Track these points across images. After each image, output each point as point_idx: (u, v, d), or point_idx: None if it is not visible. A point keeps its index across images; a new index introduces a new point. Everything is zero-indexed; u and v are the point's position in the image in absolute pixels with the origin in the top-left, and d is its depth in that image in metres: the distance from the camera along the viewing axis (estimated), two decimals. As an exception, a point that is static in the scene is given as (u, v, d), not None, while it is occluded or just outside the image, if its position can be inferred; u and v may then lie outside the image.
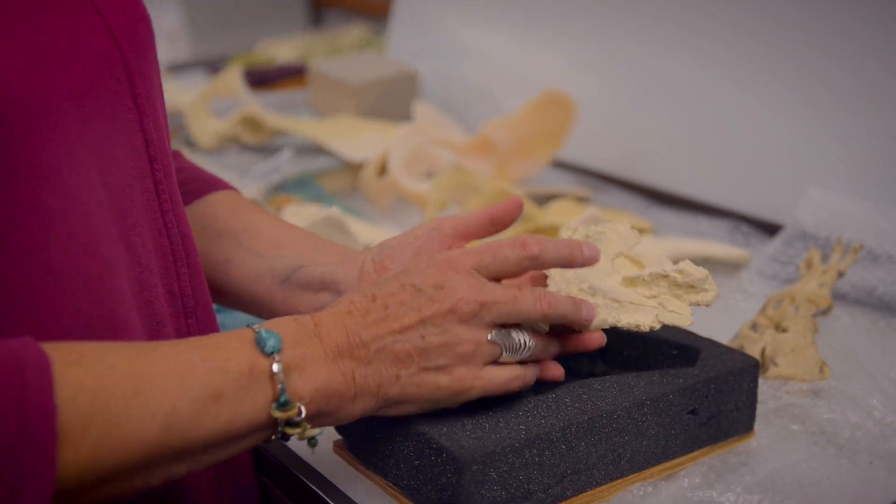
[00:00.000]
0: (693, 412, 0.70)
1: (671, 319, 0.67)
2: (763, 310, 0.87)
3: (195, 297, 0.65)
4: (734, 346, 0.84)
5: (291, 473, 0.68)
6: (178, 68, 1.92)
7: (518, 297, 0.62)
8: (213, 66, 1.86)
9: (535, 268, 0.64)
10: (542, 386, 0.67)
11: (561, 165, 1.27)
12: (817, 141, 1.04)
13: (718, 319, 0.92)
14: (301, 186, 1.23)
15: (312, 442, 0.60)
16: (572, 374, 0.72)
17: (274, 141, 1.35)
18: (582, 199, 1.18)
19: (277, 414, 0.55)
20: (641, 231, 1.09)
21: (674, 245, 1.03)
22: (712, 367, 0.71)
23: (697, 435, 0.71)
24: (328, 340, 0.58)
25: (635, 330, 0.67)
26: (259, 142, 1.34)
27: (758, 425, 0.74)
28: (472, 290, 0.60)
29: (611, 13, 1.27)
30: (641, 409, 0.67)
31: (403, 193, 1.17)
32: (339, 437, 0.69)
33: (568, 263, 0.65)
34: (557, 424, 0.63)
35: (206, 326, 0.66)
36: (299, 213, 1.09)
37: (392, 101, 1.40)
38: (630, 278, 0.69)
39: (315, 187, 1.23)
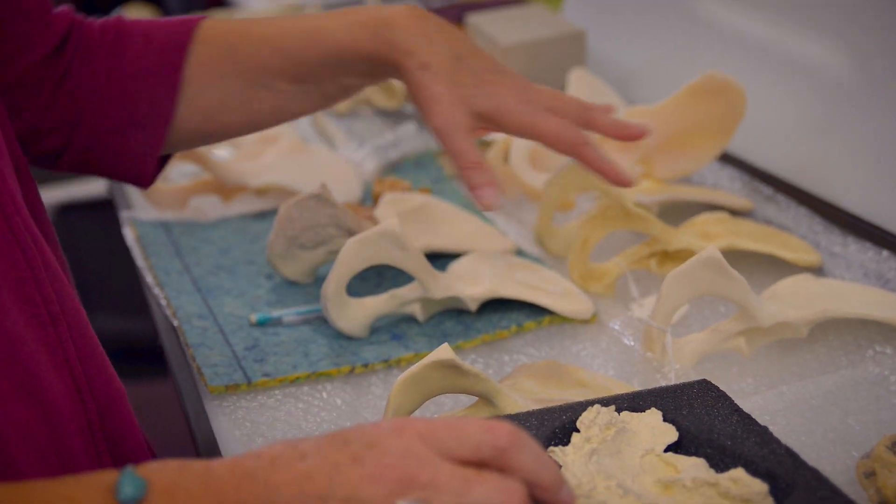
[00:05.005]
0: None
1: None
2: (920, 416, 0.64)
3: (61, 304, 0.58)
4: (863, 469, 0.62)
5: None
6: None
7: (473, 482, 0.45)
8: None
9: (496, 463, 0.46)
10: None
11: (732, 161, 1.04)
12: None
13: (866, 412, 0.69)
14: (420, 166, 1.08)
15: None
16: None
17: (407, 107, 1.20)
18: (738, 213, 0.95)
19: None
20: (808, 266, 0.85)
21: (832, 290, 0.80)
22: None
23: None
24: (216, 488, 0.45)
25: None
26: (392, 106, 1.19)
27: None
28: (407, 459, 0.45)
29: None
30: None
31: (521, 187, 0.99)
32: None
33: (547, 488, 0.47)
34: None
35: (78, 332, 0.59)
36: (395, 203, 0.95)
37: (551, 66, 1.21)
38: (666, 482, 0.55)
39: (435, 167, 1.08)
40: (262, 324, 0.82)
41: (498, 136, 1.09)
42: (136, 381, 1.74)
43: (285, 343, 0.80)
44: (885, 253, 0.85)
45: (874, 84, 0.94)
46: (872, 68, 0.94)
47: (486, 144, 1.10)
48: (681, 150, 0.97)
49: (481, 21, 1.25)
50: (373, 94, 1.19)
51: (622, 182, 0.73)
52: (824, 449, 0.65)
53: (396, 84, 1.17)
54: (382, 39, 0.69)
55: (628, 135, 0.75)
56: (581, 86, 1.12)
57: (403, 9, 0.71)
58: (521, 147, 1.00)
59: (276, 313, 0.83)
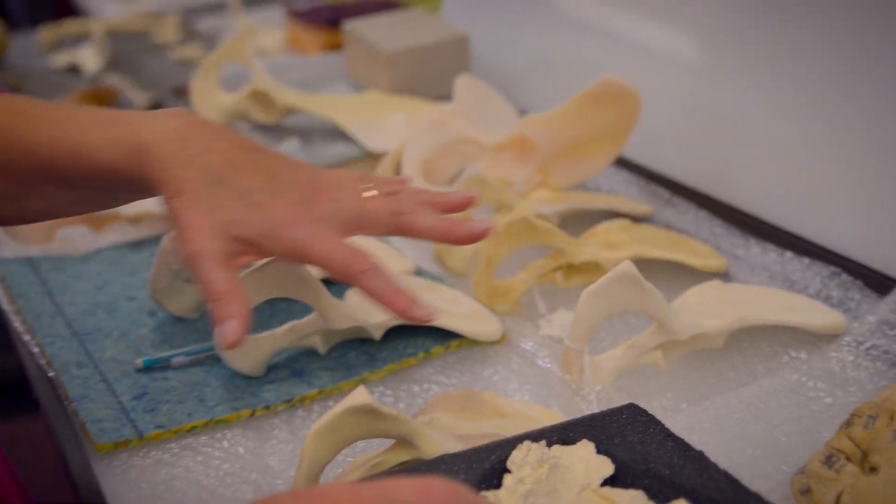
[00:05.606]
0: None
1: None
2: (847, 426, 0.62)
3: None
4: (798, 486, 0.60)
5: None
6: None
7: None
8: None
9: None
10: None
11: (628, 165, 1.02)
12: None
13: (790, 422, 0.68)
14: (306, 183, 1.02)
15: None
16: None
17: (288, 120, 1.14)
18: (639, 220, 0.93)
19: None
20: (714, 272, 0.84)
21: (743, 296, 0.78)
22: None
23: None
24: None
25: None
26: (272, 120, 1.14)
27: None
28: None
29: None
30: None
31: (417, 203, 0.95)
32: None
33: None
34: None
35: None
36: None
37: (436, 72, 1.18)
38: None
39: (322, 185, 1.02)
40: (149, 368, 0.76)
41: (389, 148, 1.05)
42: (9, 423, 1.62)
43: (177, 388, 0.74)
44: (788, 254, 0.85)
45: (765, 82, 0.93)
46: (765, 66, 0.94)
47: (376, 157, 1.05)
48: (577, 158, 0.95)
49: (360, 27, 1.20)
50: (249, 108, 1.13)
51: (413, 318, 0.64)
52: (755, 467, 0.63)
53: (274, 97, 1.11)
54: (137, 165, 0.63)
55: (456, 237, 0.68)
56: (468, 93, 1.09)
57: (168, 129, 0.63)
58: (413, 158, 0.96)
59: (163, 355, 0.77)
